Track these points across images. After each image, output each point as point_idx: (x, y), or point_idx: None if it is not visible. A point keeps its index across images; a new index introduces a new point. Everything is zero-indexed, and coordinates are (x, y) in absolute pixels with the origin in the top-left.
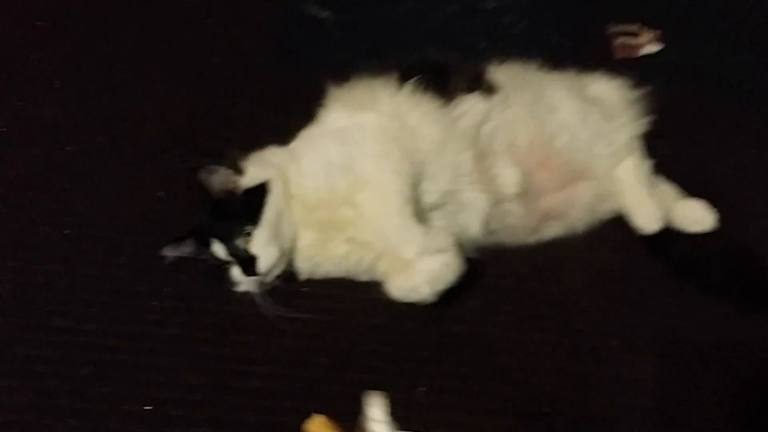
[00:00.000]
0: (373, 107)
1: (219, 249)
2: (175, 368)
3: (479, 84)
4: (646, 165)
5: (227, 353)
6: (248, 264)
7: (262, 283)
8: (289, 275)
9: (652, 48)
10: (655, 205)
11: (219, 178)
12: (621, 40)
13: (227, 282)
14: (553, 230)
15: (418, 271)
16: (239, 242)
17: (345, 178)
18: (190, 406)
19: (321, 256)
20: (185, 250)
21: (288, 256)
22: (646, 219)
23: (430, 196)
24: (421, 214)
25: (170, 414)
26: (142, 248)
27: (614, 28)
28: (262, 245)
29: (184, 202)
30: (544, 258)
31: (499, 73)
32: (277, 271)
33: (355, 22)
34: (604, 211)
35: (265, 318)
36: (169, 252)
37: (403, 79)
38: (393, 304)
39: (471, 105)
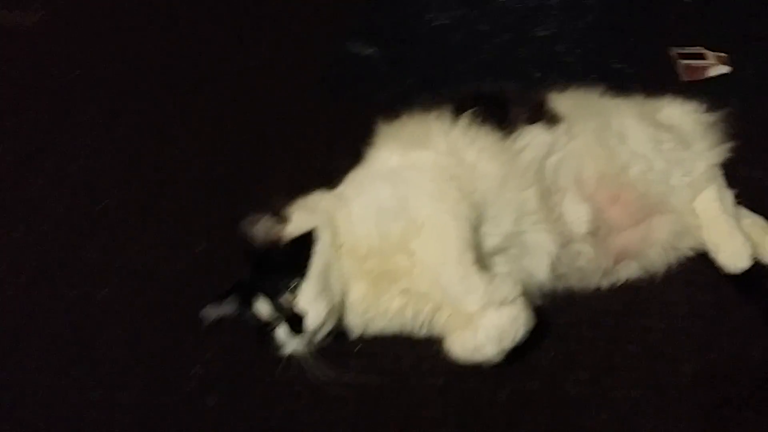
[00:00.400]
0: (427, 144)
1: (263, 306)
2: None
3: (541, 114)
4: (729, 195)
5: (275, 425)
6: (295, 322)
7: (310, 343)
8: (339, 333)
9: (719, 70)
10: (742, 240)
11: (262, 228)
12: (686, 62)
13: (273, 345)
14: (628, 271)
15: (483, 328)
16: (285, 298)
17: (398, 222)
18: None
19: (374, 311)
20: (227, 309)
21: (338, 312)
22: (733, 255)
23: (492, 240)
24: (482, 260)
25: None
26: (181, 309)
27: (677, 50)
28: (311, 299)
29: (225, 256)
30: (620, 303)
31: (561, 102)
32: (326, 329)
33: (403, 57)
34: (686, 247)
35: (315, 385)
36: (210, 312)
37: (458, 111)
38: (456, 363)
39: (533, 137)
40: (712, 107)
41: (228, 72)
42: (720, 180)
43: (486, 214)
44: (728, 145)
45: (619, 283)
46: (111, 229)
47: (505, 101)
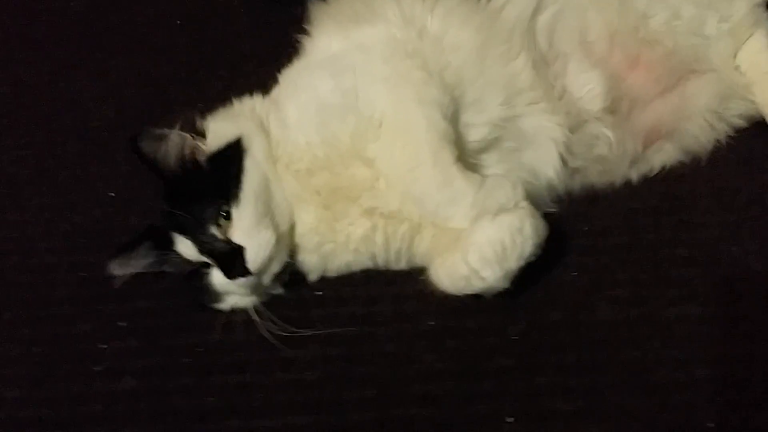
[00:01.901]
0: (373, 18)
1: (186, 247)
2: None
3: None
4: None
5: (213, 406)
6: (232, 260)
7: (256, 290)
8: (292, 276)
9: None
10: None
11: (172, 145)
12: None
13: (207, 298)
14: (663, 155)
15: (476, 246)
16: (213, 232)
17: (346, 123)
18: None
19: (332, 242)
20: (140, 262)
21: (287, 245)
22: None
23: (476, 132)
24: (466, 159)
25: None
26: (86, 269)
27: None
28: (249, 228)
29: (143, 203)
30: (658, 197)
31: None
32: (275, 267)
33: None
34: (734, 116)
35: (268, 345)
36: (119, 269)
37: None
38: (449, 296)
39: None
40: None
41: None
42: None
43: (465, 97)
44: None
45: (653, 173)
46: (5, 179)
47: None
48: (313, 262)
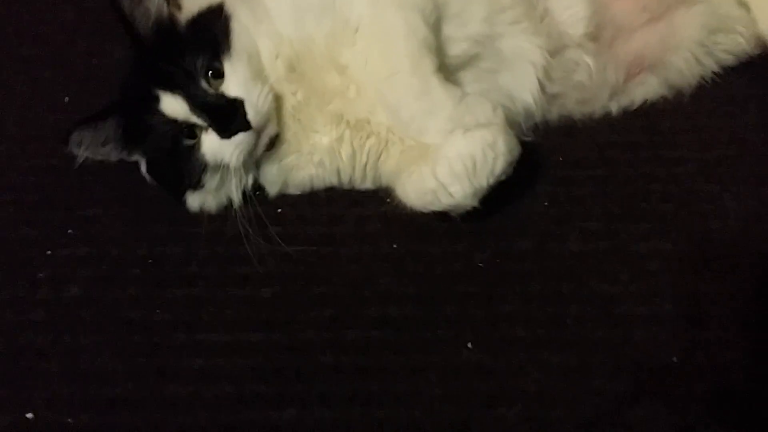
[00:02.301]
0: None
1: (174, 103)
2: (81, 362)
3: None
4: None
5: (159, 318)
6: (229, 114)
7: (249, 159)
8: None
9: None
10: None
11: (151, 6)
12: None
13: (189, 177)
14: (646, 88)
15: (446, 159)
16: (204, 86)
17: (324, 24)
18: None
19: (296, 152)
20: (105, 140)
21: (275, 116)
22: None
23: (456, 47)
24: (446, 71)
25: None
26: (37, 173)
27: None
28: (246, 80)
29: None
30: (638, 131)
31: None
32: (272, 129)
33: None
34: (723, 50)
35: (223, 259)
36: (79, 146)
37: None
38: (414, 219)
39: None
40: None
41: None
42: None
43: (448, 7)
44: None
45: (634, 106)
46: None
47: None
48: (273, 174)
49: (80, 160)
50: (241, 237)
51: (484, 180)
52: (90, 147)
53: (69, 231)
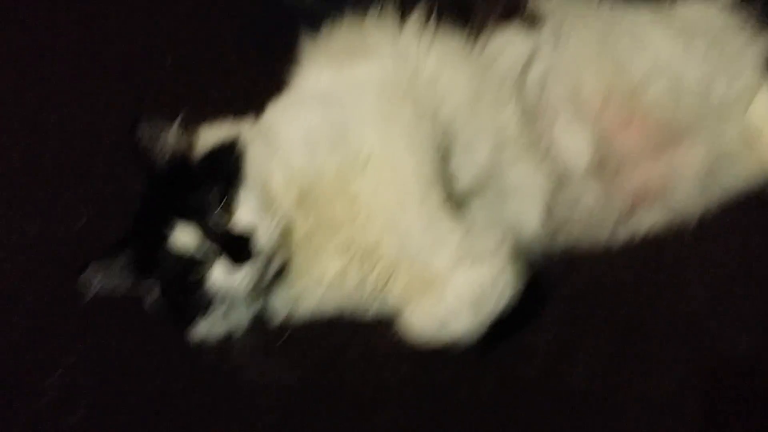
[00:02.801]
0: (367, 55)
1: (186, 235)
2: None
3: (516, 11)
4: None
5: None
6: (241, 243)
7: (257, 282)
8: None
9: None
10: None
11: (167, 138)
12: None
13: (196, 308)
14: (649, 219)
15: (453, 290)
16: (217, 216)
17: (336, 155)
18: None
19: (306, 276)
20: (118, 274)
21: (287, 250)
22: None
23: (463, 176)
24: (454, 202)
25: None
26: (47, 297)
27: None
28: (258, 209)
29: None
30: (641, 264)
31: (551, 2)
32: (281, 257)
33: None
34: (729, 183)
35: (224, 390)
36: (94, 276)
37: (406, 14)
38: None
39: (508, 41)
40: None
41: (133, 28)
42: None
43: (456, 140)
44: None
45: (638, 237)
46: None
47: (468, 2)
48: (281, 301)
49: (92, 293)
50: (244, 365)
51: (489, 311)
52: (103, 281)
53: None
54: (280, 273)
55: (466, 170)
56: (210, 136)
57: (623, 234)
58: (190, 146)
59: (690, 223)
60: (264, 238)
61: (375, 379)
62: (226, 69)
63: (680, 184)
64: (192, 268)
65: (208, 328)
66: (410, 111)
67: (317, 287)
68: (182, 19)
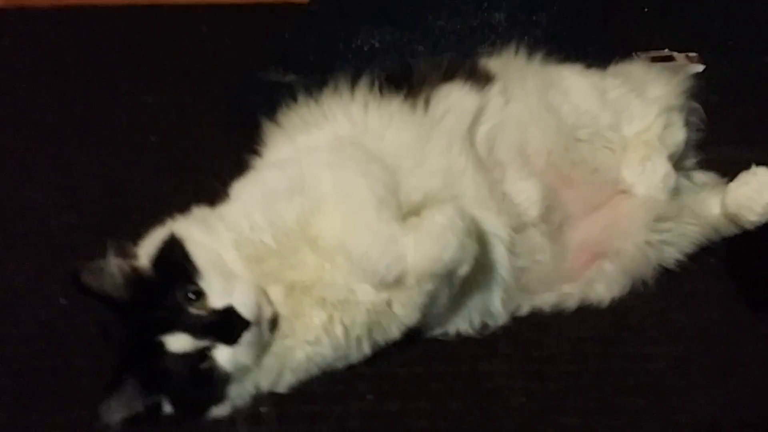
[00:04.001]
0: (321, 124)
1: (179, 340)
2: None
3: (459, 72)
4: (680, 133)
5: None
6: (227, 324)
7: (261, 350)
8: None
9: (692, 69)
10: (662, 168)
11: (111, 272)
12: (656, 65)
13: (214, 392)
14: (606, 278)
15: (438, 209)
16: (194, 312)
17: (294, 203)
18: None
19: (290, 336)
20: (131, 398)
21: (265, 299)
22: (645, 181)
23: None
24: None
25: None
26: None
27: (644, 55)
28: (224, 286)
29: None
30: (608, 326)
31: (493, 63)
32: (267, 313)
33: (327, 81)
34: (676, 237)
35: None
36: (112, 414)
37: (353, 85)
38: (393, 415)
39: (455, 99)
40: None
41: (115, 106)
42: (677, 121)
43: (405, 181)
44: (690, 90)
45: (604, 302)
46: None
47: (410, 68)
48: (271, 363)
49: (117, 427)
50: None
51: (468, 221)
52: (120, 411)
53: None
54: (274, 327)
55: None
56: (148, 246)
57: (586, 295)
58: (135, 266)
59: (649, 282)
60: (243, 308)
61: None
62: (209, 145)
63: (625, 240)
64: (198, 361)
65: (223, 408)
66: (360, 154)
67: (304, 339)
68: (167, 98)
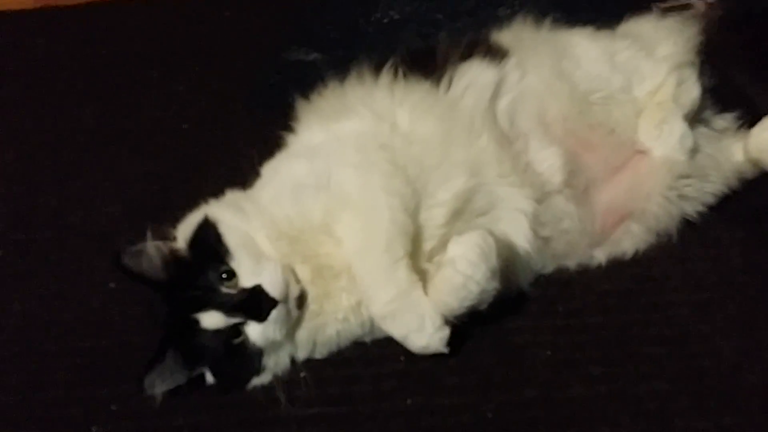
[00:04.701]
0: (348, 113)
1: (211, 317)
2: None
3: (477, 49)
4: (695, 90)
5: None
6: (256, 302)
7: (289, 326)
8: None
9: (712, 13)
10: (679, 128)
11: (151, 255)
12: (669, 18)
13: (250, 366)
14: (633, 238)
15: (459, 255)
16: (226, 290)
17: (319, 200)
18: None
19: (320, 314)
20: (173, 370)
21: (293, 277)
22: (664, 144)
23: (439, 212)
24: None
25: None
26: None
27: (662, 5)
28: (253, 267)
29: (140, 294)
30: (630, 278)
31: (505, 36)
32: (294, 291)
33: (350, 57)
34: (698, 192)
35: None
36: (155, 386)
37: (377, 70)
38: (426, 374)
39: (472, 76)
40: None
41: (148, 97)
42: (690, 77)
43: (428, 185)
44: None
45: (627, 256)
46: (11, 274)
47: (432, 48)
48: (303, 338)
49: (160, 397)
50: (268, 402)
51: (494, 259)
52: (163, 383)
53: (112, 407)
54: (302, 305)
55: (441, 205)
56: (185, 229)
57: (610, 254)
58: (173, 248)
59: (672, 237)
60: (271, 287)
61: (386, 408)
62: (239, 128)
63: (649, 200)
64: (231, 336)
65: (262, 378)
66: (387, 163)
67: (334, 317)
68: (196, 85)
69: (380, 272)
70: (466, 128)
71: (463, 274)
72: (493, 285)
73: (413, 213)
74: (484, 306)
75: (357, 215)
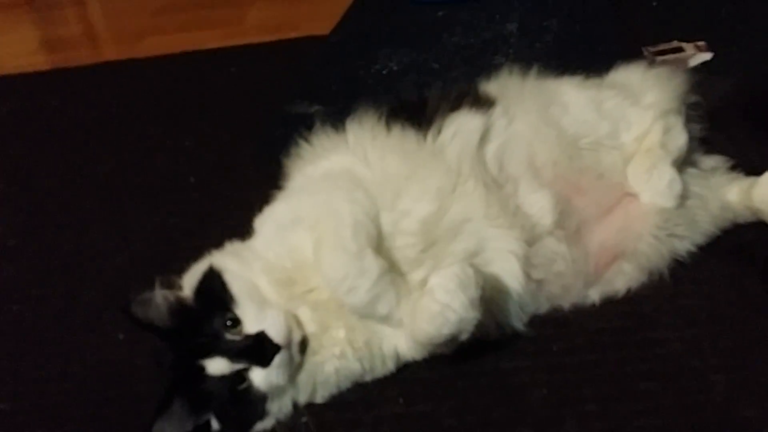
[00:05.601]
0: (329, 154)
1: (217, 364)
2: None
3: (466, 100)
4: (682, 137)
5: None
6: (260, 347)
7: (292, 371)
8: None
9: (701, 58)
10: (667, 175)
11: (159, 303)
12: (663, 58)
13: (254, 411)
14: (625, 277)
15: (438, 284)
16: (230, 337)
17: (297, 232)
18: None
19: (319, 351)
20: (180, 416)
21: (296, 323)
22: (653, 191)
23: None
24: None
25: None
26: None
27: (652, 49)
28: (257, 313)
29: (148, 344)
30: (622, 316)
31: (493, 86)
32: (296, 336)
33: (351, 108)
34: (688, 232)
35: None
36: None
37: (365, 117)
38: (425, 417)
39: (460, 124)
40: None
41: (157, 152)
42: (677, 125)
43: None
44: (690, 94)
45: (619, 294)
46: (22, 333)
47: (425, 99)
48: (303, 379)
49: None
50: None
51: (473, 289)
52: (170, 429)
53: None
54: (304, 350)
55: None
56: (191, 278)
57: (603, 293)
58: (179, 296)
59: (664, 276)
60: (274, 333)
61: None
62: (245, 181)
63: (640, 240)
64: (236, 382)
65: (266, 423)
66: (349, 180)
67: (331, 353)
68: (203, 139)
69: (351, 262)
70: (446, 168)
71: (440, 302)
72: (473, 314)
73: (374, 218)
74: (465, 336)
75: (324, 225)
